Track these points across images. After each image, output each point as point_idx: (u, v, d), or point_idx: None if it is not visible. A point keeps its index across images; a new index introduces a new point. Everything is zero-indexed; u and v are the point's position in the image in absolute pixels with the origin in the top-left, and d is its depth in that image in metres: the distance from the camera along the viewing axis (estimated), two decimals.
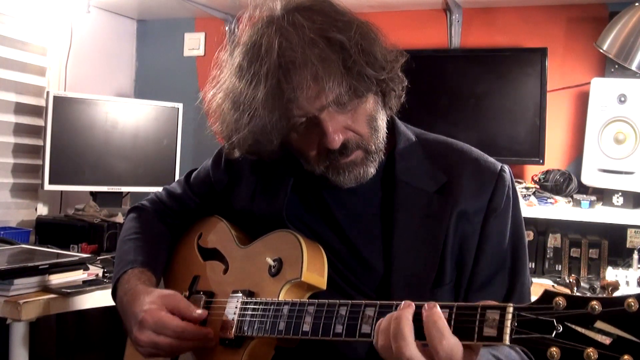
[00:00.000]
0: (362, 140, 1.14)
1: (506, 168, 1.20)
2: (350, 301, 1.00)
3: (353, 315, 0.98)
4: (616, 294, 1.99)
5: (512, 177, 1.21)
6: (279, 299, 1.12)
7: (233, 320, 1.16)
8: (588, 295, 0.79)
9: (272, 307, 1.11)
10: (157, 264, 1.35)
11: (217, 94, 1.19)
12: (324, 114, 1.09)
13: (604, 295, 0.76)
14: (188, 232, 1.43)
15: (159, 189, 1.53)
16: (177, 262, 1.41)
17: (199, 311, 1.18)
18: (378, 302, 0.97)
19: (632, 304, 0.70)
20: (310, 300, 1.07)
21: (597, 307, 0.74)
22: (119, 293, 1.27)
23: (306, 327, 1.03)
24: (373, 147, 1.15)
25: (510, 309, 0.81)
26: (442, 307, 0.87)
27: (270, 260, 1.17)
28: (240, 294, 1.18)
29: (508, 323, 0.80)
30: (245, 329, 1.13)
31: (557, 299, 0.77)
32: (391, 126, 1.23)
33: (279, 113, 1.09)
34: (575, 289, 0.74)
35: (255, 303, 1.14)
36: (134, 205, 1.50)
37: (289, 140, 1.17)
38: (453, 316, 0.86)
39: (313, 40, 1.06)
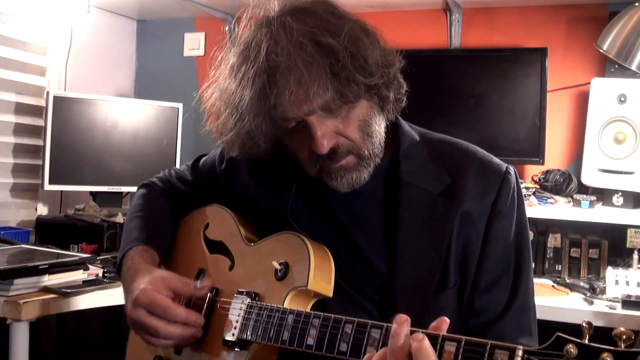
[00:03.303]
0: (354, 145, 1.11)
1: (511, 169, 1.18)
2: (356, 319, 0.98)
3: (359, 335, 0.97)
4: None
5: (518, 178, 1.19)
6: (284, 305, 1.10)
7: (237, 322, 1.15)
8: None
9: (276, 314, 1.09)
10: (161, 242, 1.36)
11: (213, 93, 1.19)
12: (312, 118, 1.07)
13: (617, 348, 0.74)
14: (194, 220, 1.42)
15: None
16: (182, 251, 1.40)
17: (198, 283, 1.18)
18: (385, 324, 0.95)
19: None
20: (315, 312, 1.05)
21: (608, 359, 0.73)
22: (123, 270, 1.28)
23: (310, 341, 1.02)
24: (366, 152, 1.13)
25: (520, 352, 0.80)
26: (449, 339, 0.86)
27: (276, 264, 1.15)
28: (246, 296, 1.17)
29: None
30: (249, 333, 1.12)
31: (569, 346, 0.76)
32: (395, 126, 1.22)
33: (263, 117, 1.09)
34: (588, 336, 0.73)
35: (260, 308, 1.12)
36: (144, 182, 1.52)
37: (282, 142, 1.16)
38: (461, 351, 0.85)
39: (301, 44, 1.04)
